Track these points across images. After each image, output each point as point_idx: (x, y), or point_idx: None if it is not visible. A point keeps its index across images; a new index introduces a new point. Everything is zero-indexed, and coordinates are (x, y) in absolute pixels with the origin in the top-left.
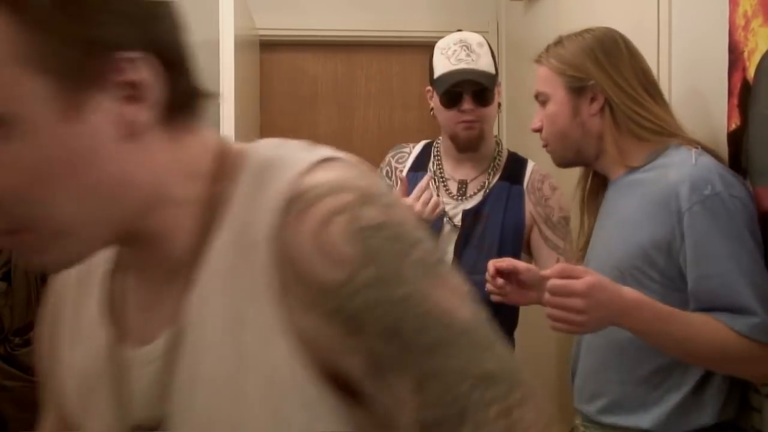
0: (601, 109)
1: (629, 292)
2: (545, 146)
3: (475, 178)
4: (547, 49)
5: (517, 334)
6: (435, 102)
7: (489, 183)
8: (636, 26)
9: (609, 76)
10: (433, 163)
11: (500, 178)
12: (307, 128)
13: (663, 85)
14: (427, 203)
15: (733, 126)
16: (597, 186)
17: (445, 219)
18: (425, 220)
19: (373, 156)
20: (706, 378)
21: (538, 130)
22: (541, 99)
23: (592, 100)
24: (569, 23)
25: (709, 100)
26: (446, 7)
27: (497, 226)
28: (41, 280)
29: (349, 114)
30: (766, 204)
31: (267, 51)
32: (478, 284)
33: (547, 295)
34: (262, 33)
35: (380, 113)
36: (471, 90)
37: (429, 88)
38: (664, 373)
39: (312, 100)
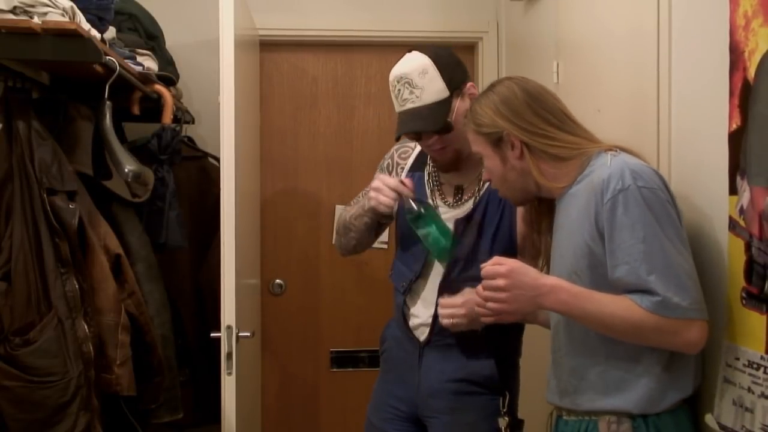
0: (521, 151)
1: (547, 277)
2: (500, 194)
3: (470, 183)
4: (466, 116)
5: (525, 338)
6: None
7: (480, 190)
8: (636, 27)
9: (514, 123)
10: (429, 165)
11: None
12: (307, 128)
13: (663, 85)
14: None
15: (734, 126)
16: (546, 209)
17: None
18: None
19: (373, 156)
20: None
21: (489, 181)
22: (479, 157)
23: (513, 146)
24: (569, 23)
25: (709, 100)
26: (446, 7)
27: (489, 235)
28: (41, 279)
29: (349, 114)
30: (761, 204)
31: (267, 51)
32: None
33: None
34: (262, 33)
35: (380, 113)
36: None
37: None
38: (637, 354)
39: (312, 100)
